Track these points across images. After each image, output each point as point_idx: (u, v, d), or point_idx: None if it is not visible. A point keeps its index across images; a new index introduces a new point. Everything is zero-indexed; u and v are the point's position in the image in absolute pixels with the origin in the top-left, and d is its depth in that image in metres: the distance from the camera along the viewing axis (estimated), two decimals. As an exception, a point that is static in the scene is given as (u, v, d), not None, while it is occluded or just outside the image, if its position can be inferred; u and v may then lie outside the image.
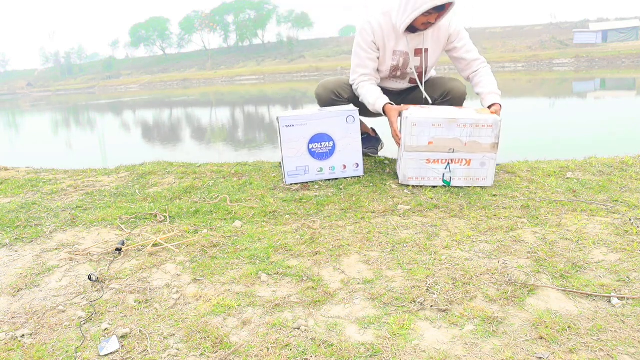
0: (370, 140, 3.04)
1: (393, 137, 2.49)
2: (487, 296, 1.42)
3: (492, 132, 2.28)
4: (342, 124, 2.53)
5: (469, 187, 2.35)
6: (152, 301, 1.50)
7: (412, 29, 2.52)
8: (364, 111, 2.76)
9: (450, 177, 2.35)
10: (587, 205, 2.04)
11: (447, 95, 2.68)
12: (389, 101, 2.53)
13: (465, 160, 2.32)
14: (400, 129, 2.41)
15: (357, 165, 2.60)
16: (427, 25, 2.47)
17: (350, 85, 2.73)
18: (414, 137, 2.32)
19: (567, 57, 28.71)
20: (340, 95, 2.76)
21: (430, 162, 2.34)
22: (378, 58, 2.62)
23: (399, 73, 2.69)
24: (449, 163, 2.33)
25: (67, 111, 19.63)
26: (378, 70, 2.68)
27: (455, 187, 2.36)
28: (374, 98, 2.56)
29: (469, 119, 2.27)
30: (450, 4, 2.39)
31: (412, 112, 2.35)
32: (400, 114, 2.44)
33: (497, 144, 2.30)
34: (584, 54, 28.85)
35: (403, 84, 2.77)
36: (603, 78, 17.80)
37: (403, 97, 2.82)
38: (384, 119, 3.08)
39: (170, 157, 3.55)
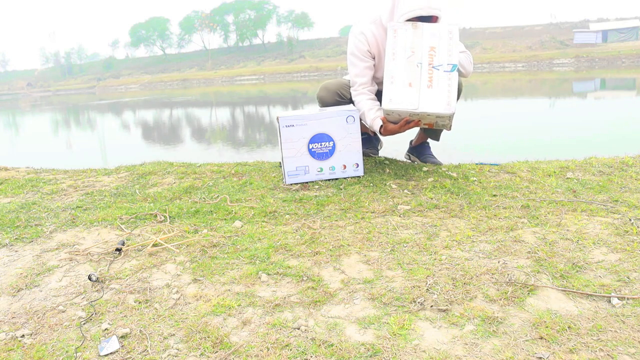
0: (370, 140, 3.04)
1: (415, 126, 2.49)
2: (487, 296, 1.42)
3: (401, 31, 2.34)
4: (342, 124, 2.53)
5: (455, 42, 2.34)
6: (152, 301, 1.50)
7: None
8: None
9: (447, 63, 2.32)
10: (587, 205, 2.04)
11: None
12: (381, 123, 2.51)
13: (429, 50, 2.33)
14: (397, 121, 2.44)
15: (357, 165, 2.60)
16: None
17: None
18: (397, 106, 2.32)
19: (567, 57, 28.70)
20: (344, 96, 2.77)
21: (431, 85, 2.31)
22: (374, 65, 2.65)
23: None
24: (432, 66, 2.32)
25: (67, 111, 19.63)
26: (375, 77, 2.70)
27: (456, 60, 2.33)
28: (371, 119, 2.57)
29: (389, 44, 2.36)
30: (436, 17, 2.43)
31: (382, 103, 2.39)
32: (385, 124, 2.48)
33: (414, 24, 2.35)
34: (584, 54, 28.84)
35: None
36: (603, 78, 17.79)
37: None
38: None
39: (170, 157, 3.55)
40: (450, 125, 2.47)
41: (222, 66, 49.24)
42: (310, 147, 2.53)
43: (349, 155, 2.57)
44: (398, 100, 2.32)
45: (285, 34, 57.49)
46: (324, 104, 2.81)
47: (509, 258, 1.63)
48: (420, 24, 2.35)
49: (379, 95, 2.69)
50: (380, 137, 2.59)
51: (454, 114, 2.32)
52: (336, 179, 2.58)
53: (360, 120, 2.63)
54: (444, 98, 2.29)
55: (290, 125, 2.50)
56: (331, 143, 2.54)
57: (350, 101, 2.77)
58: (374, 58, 2.64)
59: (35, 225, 2.17)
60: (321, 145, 2.54)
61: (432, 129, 2.85)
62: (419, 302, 1.40)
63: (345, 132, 2.54)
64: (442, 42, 2.33)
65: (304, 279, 1.58)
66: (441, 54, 2.32)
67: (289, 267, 1.65)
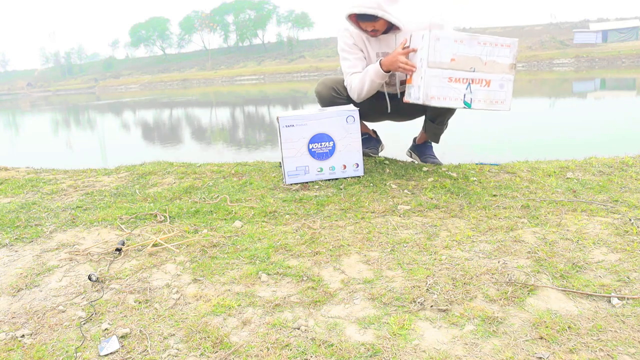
0: (370, 140, 3.04)
1: (403, 67, 2.39)
2: (487, 296, 1.42)
3: (509, 52, 2.29)
4: (342, 124, 2.53)
5: (488, 110, 2.32)
6: (152, 301, 1.50)
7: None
8: (364, 114, 2.76)
9: (471, 99, 2.30)
10: (587, 205, 2.04)
11: None
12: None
13: (485, 80, 2.29)
14: (419, 52, 2.33)
15: (357, 165, 2.60)
16: (375, 32, 2.52)
17: None
18: (437, 52, 2.25)
19: (567, 57, 28.70)
20: (340, 92, 2.76)
21: (452, 81, 2.27)
22: (365, 58, 2.64)
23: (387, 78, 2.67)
24: (469, 83, 2.28)
25: (67, 111, 19.63)
26: None
27: (476, 109, 2.32)
28: (367, 68, 2.54)
29: (489, 37, 2.28)
30: (383, 20, 2.42)
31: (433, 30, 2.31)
32: (410, 40, 2.40)
33: (515, 65, 2.31)
34: (584, 54, 28.84)
35: (394, 89, 2.74)
36: (603, 78, 17.79)
37: (396, 102, 2.77)
38: (383, 122, 3.06)
39: (170, 157, 3.55)
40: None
41: (222, 66, 49.26)
42: (310, 147, 2.53)
43: (349, 155, 2.57)
44: (441, 48, 2.24)
45: (285, 34, 57.57)
46: (321, 97, 2.81)
47: (509, 258, 1.64)
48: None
49: (377, 97, 2.69)
50: (381, 69, 2.50)
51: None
52: (336, 179, 2.58)
53: (361, 120, 2.63)
54: (430, 92, 2.26)
55: (290, 125, 2.50)
56: (331, 143, 2.54)
57: (346, 98, 2.77)
58: (362, 51, 2.65)
59: (35, 225, 2.17)
60: (321, 145, 2.54)
61: (432, 130, 2.86)
62: (419, 302, 1.40)
63: (345, 132, 2.54)
64: (494, 91, 2.30)
65: (304, 279, 1.58)
66: (483, 92, 2.30)
67: (289, 267, 1.65)
